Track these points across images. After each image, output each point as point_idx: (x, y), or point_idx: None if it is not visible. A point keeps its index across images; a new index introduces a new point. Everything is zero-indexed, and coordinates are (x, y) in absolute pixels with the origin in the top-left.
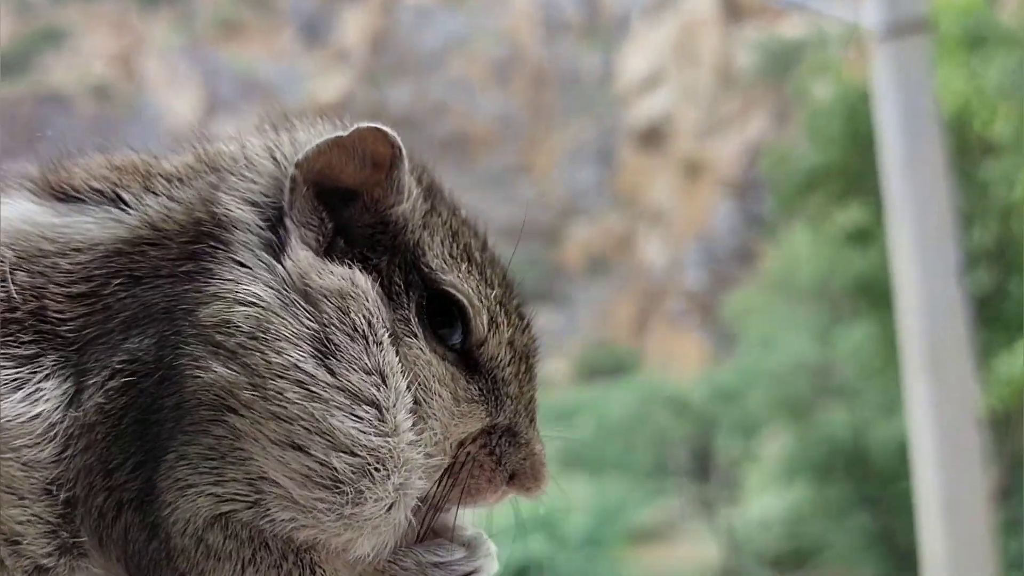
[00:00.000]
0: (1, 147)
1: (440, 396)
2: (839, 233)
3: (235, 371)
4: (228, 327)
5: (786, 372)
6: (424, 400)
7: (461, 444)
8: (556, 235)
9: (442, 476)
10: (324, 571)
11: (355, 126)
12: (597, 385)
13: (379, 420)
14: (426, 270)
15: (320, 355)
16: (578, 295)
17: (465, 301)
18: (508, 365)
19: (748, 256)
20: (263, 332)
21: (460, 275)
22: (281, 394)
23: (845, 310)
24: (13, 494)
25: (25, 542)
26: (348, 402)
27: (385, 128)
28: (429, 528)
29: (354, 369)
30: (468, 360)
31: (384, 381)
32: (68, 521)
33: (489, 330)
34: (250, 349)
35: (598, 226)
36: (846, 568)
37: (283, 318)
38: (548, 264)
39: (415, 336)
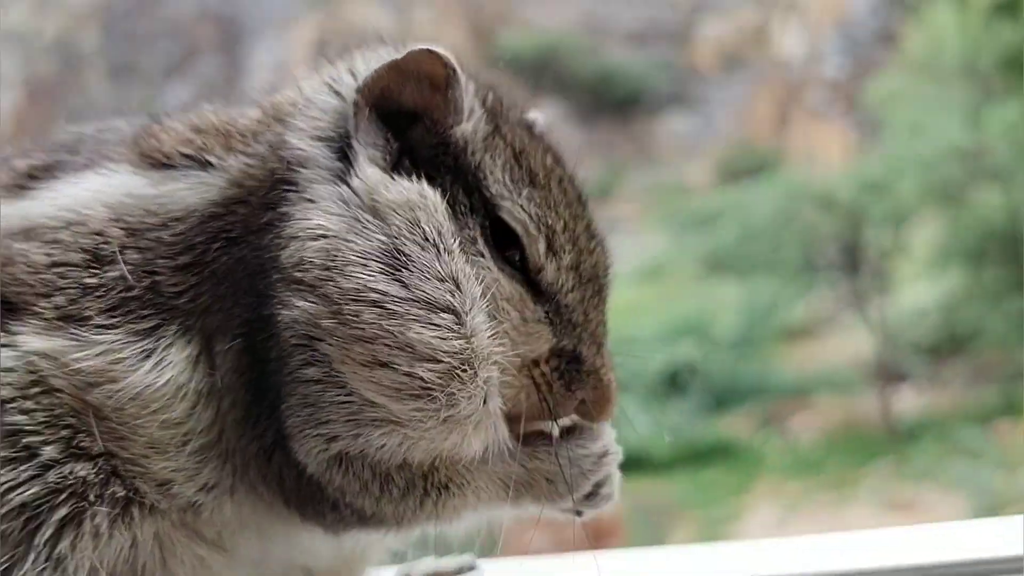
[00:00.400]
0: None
1: (509, 313)
2: (985, 5)
3: (314, 302)
4: (304, 264)
5: (935, 157)
6: (495, 315)
7: (535, 364)
8: (686, 35)
9: (522, 392)
10: (456, 484)
11: (410, 49)
12: (739, 186)
13: (457, 323)
14: (487, 195)
15: (391, 269)
16: (713, 96)
17: (520, 229)
18: (571, 291)
19: (890, 38)
20: (333, 260)
21: (519, 201)
22: (358, 317)
23: (996, 88)
24: (157, 449)
25: (175, 486)
26: (424, 312)
27: (438, 49)
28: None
29: (427, 278)
30: (532, 283)
31: (458, 286)
32: (207, 464)
33: (546, 257)
34: (324, 279)
35: (730, 21)
36: (1003, 353)
37: (351, 241)
38: (679, 66)
39: (482, 256)
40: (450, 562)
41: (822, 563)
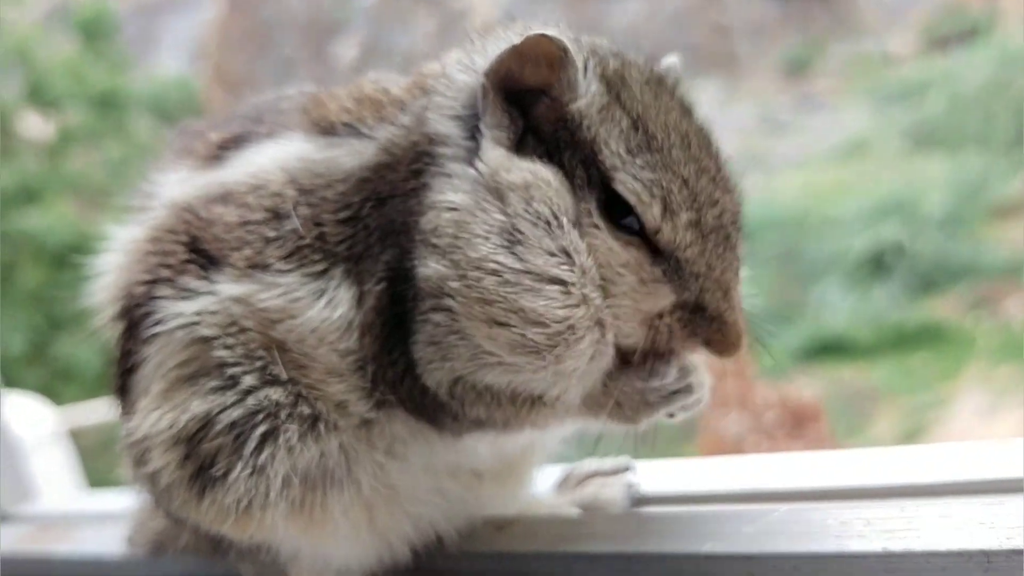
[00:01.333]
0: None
1: (625, 278)
2: None
3: (446, 266)
4: (438, 231)
5: None
6: (611, 282)
7: (660, 316)
8: None
9: (644, 338)
10: (546, 406)
11: (526, 35)
12: (948, 54)
13: (564, 293)
14: (602, 167)
15: (508, 243)
16: None
17: (633, 199)
18: (689, 246)
19: None
20: (462, 232)
21: (631, 170)
22: (479, 282)
23: None
24: (334, 373)
25: (350, 405)
26: (534, 283)
27: (551, 33)
28: (642, 360)
29: (538, 252)
30: (651, 244)
31: (568, 260)
32: (377, 385)
33: (663, 219)
34: (454, 247)
35: None
36: None
37: (477, 216)
38: None
39: (597, 227)
40: (608, 463)
41: (809, 480)
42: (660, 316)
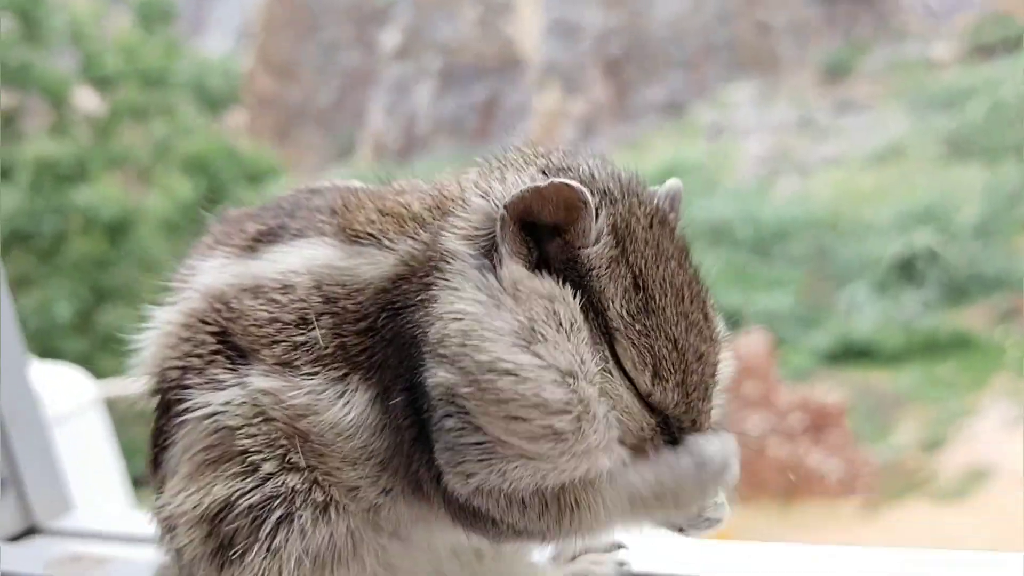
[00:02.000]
0: None
1: (628, 424)
2: None
3: (454, 374)
4: (445, 340)
5: None
6: (618, 421)
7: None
8: None
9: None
10: (586, 499)
11: (551, 180)
12: (991, 62)
13: (577, 382)
14: (607, 322)
15: (525, 343)
16: None
17: (628, 363)
18: (676, 405)
19: None
20: (469, 339)
21: (631, 334)
22: (492, 384)
23: None
24: (347, 462)
25: (361, 491)
26: (556, 376)
27: (575, 185)
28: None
29: (559, 351)
30: (644, 400)
31: (583, 362)
32: (385, 475)
33: (653, 384)
34: (461, 355)
35: None
36: None
37: (488, 321)
38: None
39: (610, 372)
40: (602, 540)
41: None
42: (645, 437)
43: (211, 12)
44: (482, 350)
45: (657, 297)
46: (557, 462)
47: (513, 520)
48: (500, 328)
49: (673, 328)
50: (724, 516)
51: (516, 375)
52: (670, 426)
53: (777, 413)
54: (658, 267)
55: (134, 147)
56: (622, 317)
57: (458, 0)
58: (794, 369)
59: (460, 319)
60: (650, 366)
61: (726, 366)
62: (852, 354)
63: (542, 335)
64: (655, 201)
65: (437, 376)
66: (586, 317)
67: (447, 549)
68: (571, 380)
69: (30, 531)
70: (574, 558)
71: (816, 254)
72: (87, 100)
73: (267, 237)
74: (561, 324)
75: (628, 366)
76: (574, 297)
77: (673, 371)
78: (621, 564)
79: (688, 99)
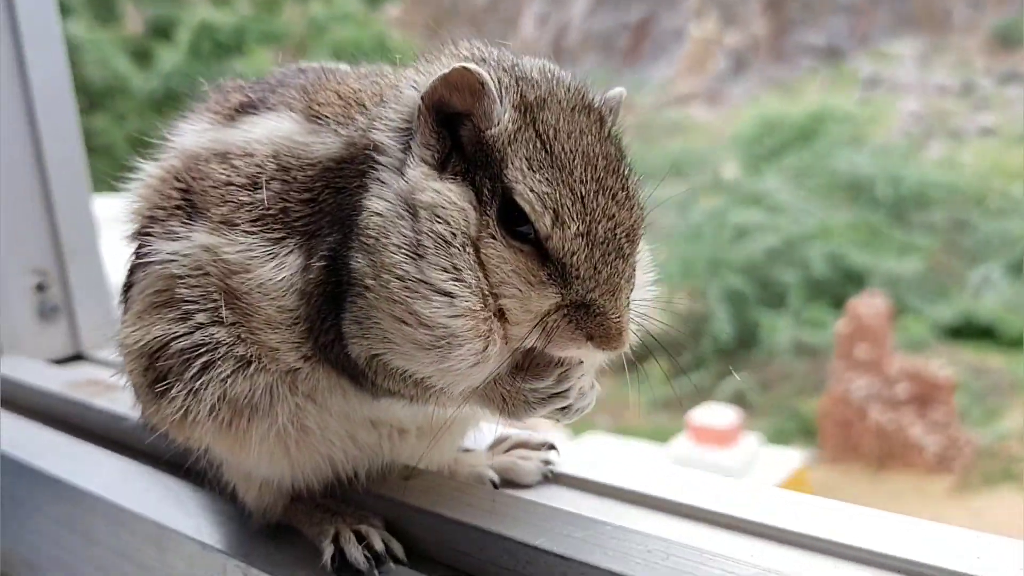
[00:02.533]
0: None
1: (514, 282)
2: None
3: (368, 264)
4: (366, 231)
5: None
6: (503, 284)
7: (548, 314)
8: None
9: (535, 335)
10: (440, 394)
11: (453, 66)
12: None
13: (450, 306)
14: (505, 181)
15: (415, 256)
16: None
17: (527, 208)
18: (576, 253)
19: None
20: (383, 237)
21: (531, 182)
22: (388, 285)
23: None
24: (272, 325)
25: (281, 354)
26: (428, 292)
27: (473, 68)
28: (532, 363)
29: (435, 268)
30: (543, 251)
31: (459, 276)
32: (306, 341)
33: (553, 228)
34: (375, 249)
35: None
36: None
37: (394, 227)
38: None
39: (493, 237)
40: (536, 438)
41: (709, 503)
42: (549, 314)
43: None
44: (386, 252)
45: (563, 157)
46: (421, 368)
47: (389, 385)
48: (401, 236)
49: (579, 185)
50: (589, 404)
51: (403, 282)
52: (567, 281)
53: (885, 380)
54: (571, 137)
55: (291, 24)
56: (522, 170)
57: None
58: (911, 339)
59: (377, 216)
60: (550, 211)
61: (646, 262)
62: (973, 333)
63: (425, 248)
64: (585, 93)
65: (357, 260)
66: (480, 198)
67: (364, 419)
68: (440, 299)
69: (76, 357)
70: (508, 450)
71: (954, 225)
72: None
73: (246, 108)
74: (441, 235)
75: (527, 209)
76: (470, 193)
77: (575, 218)
78: (547, 463)
79: (848, 47)
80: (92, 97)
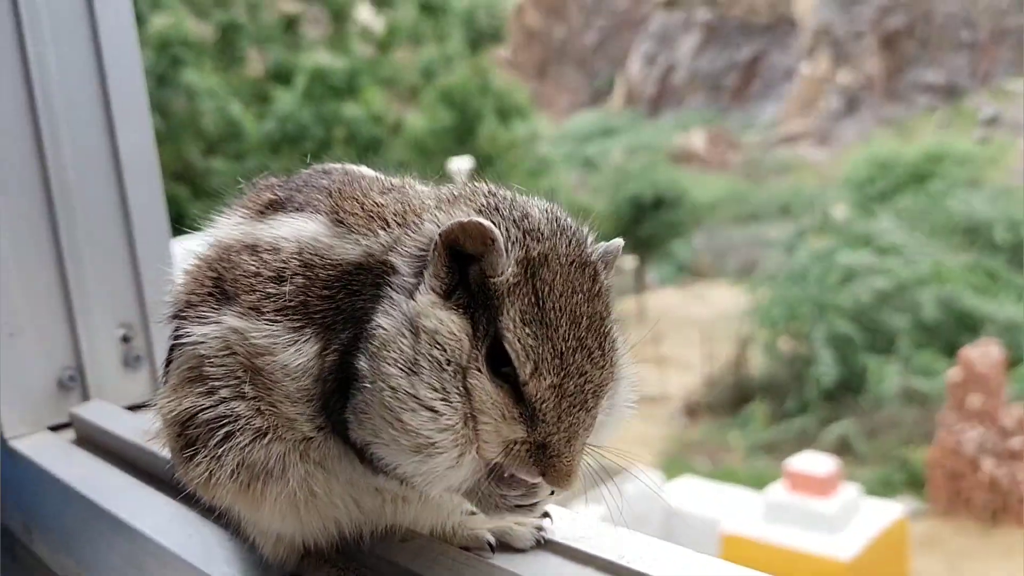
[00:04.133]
0: None
1: (491, 412)
2: None
3: (369, 367)
4: (372, 339)
5: None
6: (482, 412)
7: (515, 444)
8: None
9: (497, 463)
10: (421, 493)
11: (470, 218)
12: None
13: (434, 421)
14: (499, 325)
15: (410, 372)
16: None
17: (513, 354)
18: (546, 402)
19: None
20: (384, 349)
21: (519, 334)
22: (382, 392)
23: None
24: (290, 400)
25: (296, 423)
26: (416, 405)
27: (487, 225)
28: (511, 474)
29: (426, 386)
30: (518, 391)
31: (446, 397)
32: (319, 415)
33: (531, 377)
34: (377, 357)
35: None
36: None
37: (396, 342)
38: None
39: (479, 370)
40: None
41: None
42: (516, 443)
43: None
44: (385, 362)
45: (553, 316)
46: (404, 469)
47: (384, 468)
48: (400, 352)
49: (562, 342)
50: (548, 520)
51: (395, 392)
52: (535, 423)
53: (999, 431)
54: (562, 296)
55: (402, 69)
56: (514, 321)
57: None
58: None
59: (383, 329)
60: (532, 362)
61: (620, 406)
62: None
63: (420, 367)
64: (584, 249)
65: (361, 360)
66: (476, 333)
67: (369, 486)
68: (425, 414)
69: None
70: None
71: None
72: (365, 15)
73: (276, 205)
74: (436, 359)
75: (512, 356)
76: (468, 325)
77: (552, 373)
78: (539, 530)
79: (967, 85)
80: (209, 140)
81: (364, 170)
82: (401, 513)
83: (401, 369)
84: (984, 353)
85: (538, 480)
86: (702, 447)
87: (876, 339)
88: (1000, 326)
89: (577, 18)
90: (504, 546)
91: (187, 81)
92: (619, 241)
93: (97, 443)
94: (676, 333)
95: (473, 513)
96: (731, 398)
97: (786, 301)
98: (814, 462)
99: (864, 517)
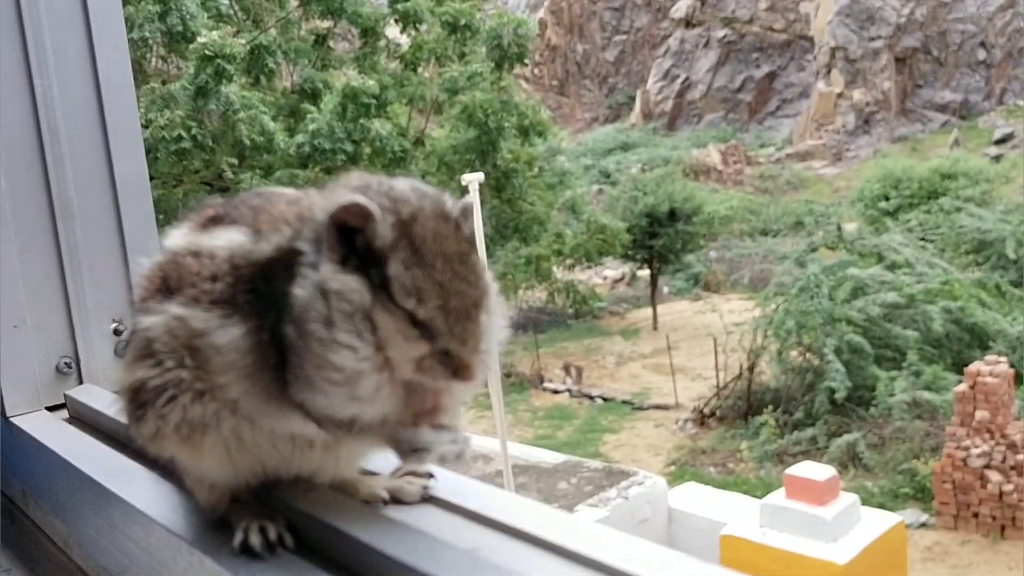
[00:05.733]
0: None
1: (395, 339)
2: None
3: (295, 330)
4: (293, 308)
5: None
6: (389, 340)
7: (423, 359)
8: None
9: (421, 375)
10: (353, 430)
11: (350, 198)
12: None
13: (354, 354)
14: (387, 274)
15: (327, 325)
16: None
17: (402, 291)
18: (436, 318)
19: None
20: (304, 313)
21: (404, 276)
22: (310, 345)
23: None
24: (220, 371)
25: (227, 389)
26: (337, 347)
27: (360, 199)
28: (421, 406)
29: (342, 331)
30: (416, 320)
31: (360, 336)
32: (246, 382)
33: (419, 304)
34: (299, 321)
35: None
36: None
37: (312, 306)
38: None
39: (381, 311)
40: (423, 468)
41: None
42: (423, 358)
43: None
44: (307, 323)
45: (427, 257)
46: (335, 400)
47: (322, 420)
48: (315, 312)
49: (438, 274)
50: (462, 449)
51: (321, 342)
52: (432, 337)
53: (1008, 446)
54: (433, 242)
55: (427, 86)
56: (399, 269)
57: None
58: None
59: (299, 299)
60: (415, 294)
61: (497, 324)
62: None
63: (334, 320)
64: (444, 206)
65: (287, 329)
66: (372, 284)
67: (286, 434)
68: (347, 351)
69: None
70: (402, 475)
71: None
72: (392, 32)
73: (215, 220)
74: (345, 312)
75: (400, 298)
76: (364, 281)
77: (434, 297)
78: (425, 488)
79: (980, 104)
80: (243, 152)
81: (285, 191)
82: (307, 460)
83: (320, 324)
84: (993, 368)
85: (451, 381)
86: (713, 455)
87: (886, 352)
88: (1010, 342)
89: (598, 35)
90: (395, 501)
91: (226, 93)
92: (471, 198)
93: (87, 421)
94: (689, 344)
95: (369, 473)
96: (742, 408)
97: (797, 313)
98: (814, 469)
99: (862, 523)
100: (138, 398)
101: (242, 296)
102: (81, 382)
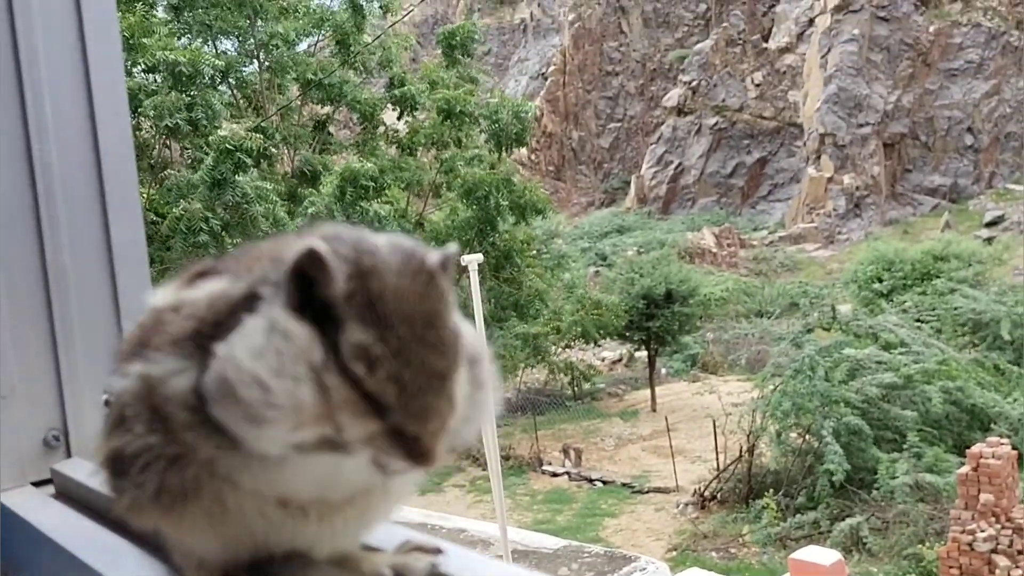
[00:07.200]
0: None
1: (345, 409)
2: None
3: (225, 350)
4: (237, 348)
5: None
6: (338, 411)
7: (373, 435)
8: None
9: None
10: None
11: (306, 245)
12: None
13: (267, 395)
14: (341, 332)
15: (258, 360)
16: None
17: (352, 353)
18: (387, 392)
19: None
20: (244, 351)
21: (357, 337)
22: (233, 377)
23: None
24: (185, 427)
25: (200, 449)
26: (259, 385)
27: (316, 246)
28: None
29: (271, 372)
30: (364, 389)
31: (288, 383)
32: (215, 437)
33: (368, 372)
34: (233, 344)
35: None
36: None
37: (252, 335)
38: None
39: (329, 370)
40: (431, 543)
41: None
42: (374, 435)
43: (518, 51)
44: (242, 358)
45: (385, 317)
46: (250, 430)
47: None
48: (254, 350)
49: (396, 340)
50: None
51: (244, 375)
52: (381, 411)
53: (1014, 530)
54: (394, 299)
55: (425, 169)
56: (352, 327)
57: (744, 62)
58: None
59: (246, 338)
60: (364, 360)
61: (486, 399)
62: None
63: (270, 360)
64: (415, 258)
65: (220, 346)
66: (323, 338)
67: (274, 498)
68: (260, 393)
69: None
70: (409, 551)
71: None
72: (390, 117)
73: (203, 275)
74: (283, 352)
75: (351, 362)
76: (317, 336)
77: (387, 364)
78: (434, 566)
79: (969, 187)
80: (250, 238)
81: (283, 236)
82: (301, 531)
83: (252, 358)
84: (995, 450)
85: (406, 464)
86: (715, 540)
87: (886, 433)
88: (1011, 423)
89: (592, 123)
90: None
91: (242, 183)
92: (454, 247)
93: (74, 497)
94: (687, 425)
95: (376, 550)
96: (743, 491)
97: (794, 395)
98: (819, 553)
99: None
100: (115, 468)
101: (207, 332)
102: (69, 455)
